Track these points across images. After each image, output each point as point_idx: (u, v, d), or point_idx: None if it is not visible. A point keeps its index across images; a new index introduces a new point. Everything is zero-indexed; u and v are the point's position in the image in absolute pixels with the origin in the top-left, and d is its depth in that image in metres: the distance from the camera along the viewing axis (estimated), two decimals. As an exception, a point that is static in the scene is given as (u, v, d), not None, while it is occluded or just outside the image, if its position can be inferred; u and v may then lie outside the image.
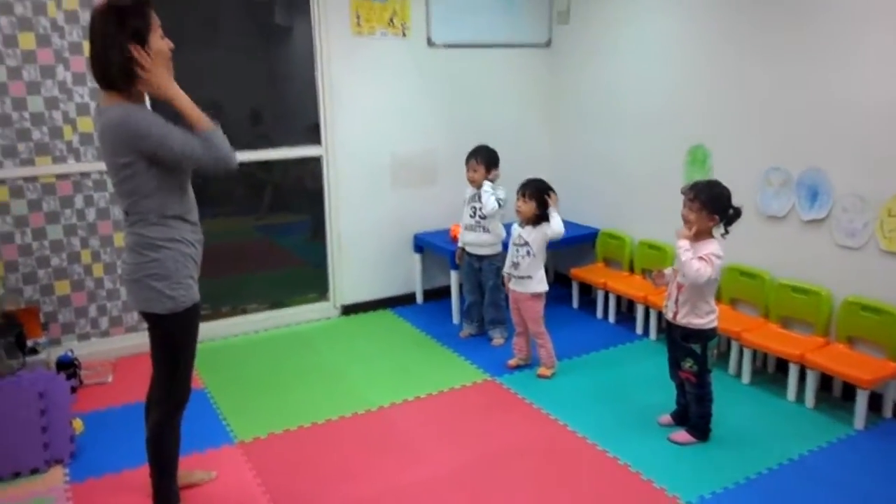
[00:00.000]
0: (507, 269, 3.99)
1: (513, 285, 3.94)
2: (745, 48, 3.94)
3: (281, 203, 5.04)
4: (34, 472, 3.00)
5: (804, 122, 3.67)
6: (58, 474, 3.01)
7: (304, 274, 5.18)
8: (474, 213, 4.29)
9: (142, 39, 2.20)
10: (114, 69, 2.20)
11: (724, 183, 3.16)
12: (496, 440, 3.29)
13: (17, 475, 2.98)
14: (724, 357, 3.94)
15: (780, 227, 3.86)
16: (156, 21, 2.26)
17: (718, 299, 3.71)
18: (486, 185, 4.19)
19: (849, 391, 3.47)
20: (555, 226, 3.78)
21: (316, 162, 4.74)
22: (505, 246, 4.13)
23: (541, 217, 3.81)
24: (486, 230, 4.28)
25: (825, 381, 3.63)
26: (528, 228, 3.84)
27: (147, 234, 2.31)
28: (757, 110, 3.91)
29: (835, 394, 3.64)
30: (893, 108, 3.29)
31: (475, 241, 4.32)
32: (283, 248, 5.29)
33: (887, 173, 3.34)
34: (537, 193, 3.81)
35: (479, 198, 4.22)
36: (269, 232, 5.14)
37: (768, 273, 3.90)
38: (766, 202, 3.89)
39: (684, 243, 3.08)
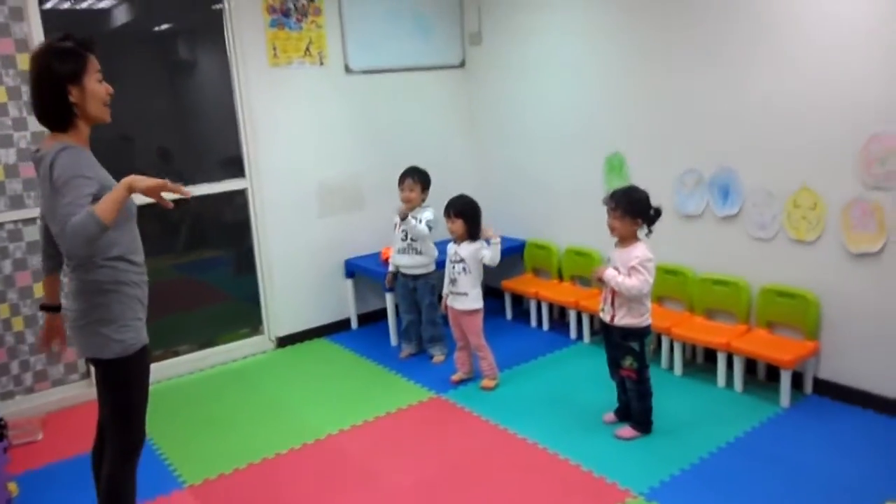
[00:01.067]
0: (445, 289, 4.05)
1: (450, 302, 4.00)
2: (651, 59, 4.16)
3: (207, 239, 4.93)
4: (-31, 543, 2.84)
5: (712, 125, 3.91)
6: (-4, 542, 2.86)
7: (236, 309, 5.09)
8: (406, 236, 4.33)
9: (77, 81, 2.19)
10: (51, 110, 2.21)
11: (642, 187, 3.34)
12: (448, 455, 3.33)
13: (-49, 548, 2.81)
14: (656, 352, 4.12)
15: (697, 225, 4.08)
16: (94, 64, 2.25)
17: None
18: (410, 218, 4.21)
19: (773, 373, 3.71)
20: (489, 257, 3.85)
21: (241, 195, 4.69)
22: (439, 265, 4.18)
23: (473, 232, 3.91)
24: (418, 252, 4.33)
25: (750, 366, 3.84)
26: (463, 245, 3.92)
27: (91, 279, 2.24)
28: (667, 117, 4.13)
29: (760, 377, 3.87)
30: (790, 108, 3.54)
31: (409, 263, 4.37)
32: (211, 285, 5.18)
33: (789, 169, 3.60)
34: (462, 210, 3.90)
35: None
36: (195, 269, 5.02)
37: (690, 269, 4.11)
38: (683, 202, 4.11)
39: (609, 273, 3.23)
